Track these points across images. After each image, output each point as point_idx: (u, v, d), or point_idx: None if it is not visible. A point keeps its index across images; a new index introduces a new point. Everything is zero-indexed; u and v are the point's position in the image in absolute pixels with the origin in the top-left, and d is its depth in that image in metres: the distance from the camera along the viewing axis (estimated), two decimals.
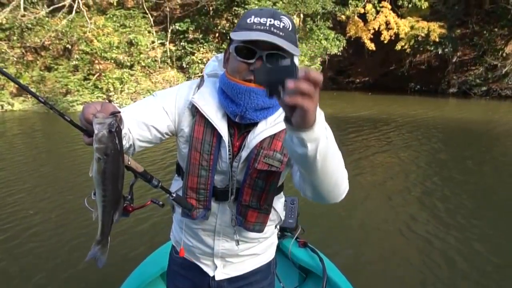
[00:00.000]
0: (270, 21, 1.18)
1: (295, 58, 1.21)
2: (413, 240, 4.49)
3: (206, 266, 1.52)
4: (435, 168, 7.74)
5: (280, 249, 2.61)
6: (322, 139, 0.89)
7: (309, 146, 0.88)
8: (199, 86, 1.36)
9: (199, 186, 1.34)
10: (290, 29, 1.21)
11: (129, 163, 1.21)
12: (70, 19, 16.35)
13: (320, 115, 0.87)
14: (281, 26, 1.18)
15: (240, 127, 1.30)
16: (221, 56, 1.41)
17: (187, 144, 1.33)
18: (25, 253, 4.13)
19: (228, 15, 19.63)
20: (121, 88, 16.88)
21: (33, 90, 16.43)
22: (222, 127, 1.27)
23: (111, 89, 16.77)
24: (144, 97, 13.97)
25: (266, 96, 0.80)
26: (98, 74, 17.00)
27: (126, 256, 3.88)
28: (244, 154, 1.29)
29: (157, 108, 1.32)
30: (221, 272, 1.50)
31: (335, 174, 1.06)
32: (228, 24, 19.68)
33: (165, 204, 1.41)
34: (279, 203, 1.47)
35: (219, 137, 1.28)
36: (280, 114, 1.29)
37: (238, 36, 1.20)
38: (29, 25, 16.42)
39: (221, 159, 1.31)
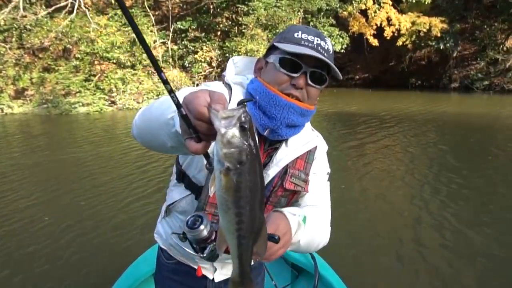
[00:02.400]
0: (317, 40, 1.17)
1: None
2: (407, 237, 4.39)
3: (205, 270, 1.45)
4: (439, 163, 7.48)
5: None
6: (302, 240, 1.11)
7: (293, 248, 1.12)
8: (230, 94, 1.24)
9: None
10: (331, 52, 1.21)
11: None
12: (71, 20, 15.58)
13: (298, 229, 1.10)
14: (326, 48, 1.17)
15: (265, 141, 1.24)
16: (238, 59, 1.34)
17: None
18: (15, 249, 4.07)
19: (229, 13, 18.94)
20: (124, 88, 16.19)
21: (33, 92, 15.94)
22: None
23: (114, 89, 16.07)
24: (147, 97, 13.31)
25: None
26: (99, 74, 16.30)
27: (117, 255, 3.78)
28: (272, 171, 1.23)
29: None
30: (220, 273, 1.45)
31: (316, 245, 1.22)
32: (229, 23, 19.02)
33: None
34: None
35: None
36: (306, 134, 1.31)
37: (288, 47, 1.14)
38: (28, 26, 15.69)
39: None
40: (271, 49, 1.23)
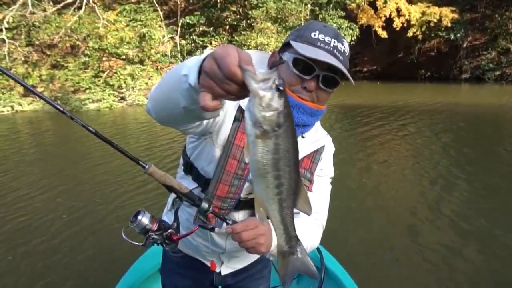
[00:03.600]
0: (334, 42, 1.13)
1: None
2: (416, 230, 4.25)
3: (210, 262, 1.43)
4: (450, 155, 7.26)
5: None
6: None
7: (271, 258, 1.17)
8: None
9: (228, 195, 1.24)
10: (347, 54, 1.17)
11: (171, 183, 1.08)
12: (80, 16, 15.27)
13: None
14: (342, 50, 1.14)
15: None
16: (250, 53, 0.98)
17: (220, 149, 1.20)
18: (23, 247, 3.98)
19: (237, 7, 18.55)
20: (133, 84, 15.89)
21: (42, 89, 15.71)
22: None
23: (123, 85, 15.78)
24: None
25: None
26: (108, 71, 16.00)
27: (124, 249, 3.59)
28: None
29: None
30: (226, 266, 1.44)
31: None
32: (238, 16, 18.63)
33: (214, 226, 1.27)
34: None
35: None
36: (315, 133, 1.29)
37: (303, 49, 1.09)
38: (37, 23, 15.40)
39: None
40: (287, 45, 1.17)
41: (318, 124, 1.32)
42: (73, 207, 4.95)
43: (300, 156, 1.21)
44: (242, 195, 1.27)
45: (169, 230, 1.19)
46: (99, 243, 4.00)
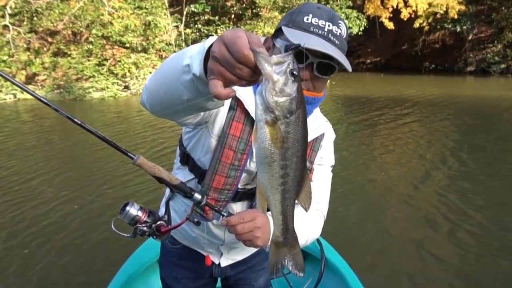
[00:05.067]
0: (329, 25, 1.04)
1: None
2: (417, 222, 4.15)
3: (211, 254, 1.37)
4: (455, 148, 7.08)
5: None
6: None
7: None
8: None
9: (225, 187, 1.18)
10: (344, 37, 1.09)
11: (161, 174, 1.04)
12: (84, 2, 14.66)
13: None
14: (338, 33, 1.05)
15: None
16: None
17: (215, 139, 1.15)
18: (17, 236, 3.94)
19: None
20: (137, 73, 15.38)
21: (45, 77, 15.19)
22: None
23: (127, 74, 15.26)
24: None
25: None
26: (112, 59, 15.46)
27: (121, 242, 3.46)
28: None
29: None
30: (225, 258, 1.39)
31: (303, 243, 1.14)
32: (243, 5, 18.03)
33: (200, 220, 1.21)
34: None
35: None
36: (314, 120, 1.22)
37: (294, 36, 1.00)
38: (39, 10, 14.82)
39: (251, 159, 1.16)
40: (280, 30, 1.08)
41: (317, 111, 1.26)
42: (70, 195, 4.86)
43: None
44: (240, 186, 1.22)
45: (159, 222, 1.15)
46: (96, 233, 3.88)
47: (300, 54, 0.95)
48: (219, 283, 1.59)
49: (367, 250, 3.56)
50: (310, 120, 1.19)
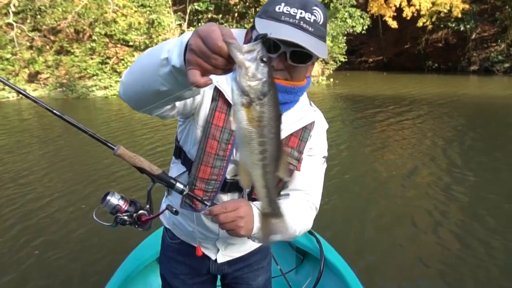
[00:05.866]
0: (301, 13, 1.00)
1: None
2: (417, 222, 4.07)
3: (207, 250, 1.37)
4: (457, 146, 6.98)
5: None
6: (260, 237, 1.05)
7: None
8: None
9: (211, 177, 1.18)
10: (321, 22, 1.04)
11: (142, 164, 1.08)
12: (89, 0, 14.47)
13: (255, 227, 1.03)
14: (312, 20, 1.01)
15: None
16: (240, 31, 1.12)
17: (201, 130, 1.16)
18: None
19: None
20: None
21: (47, 75, 15.02)
22: None
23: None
24: None
25: None
26: (115, 57, 15.30)
27: (121, 240, 3.49)
28: None
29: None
30: (222, 254, 1.38)
31: (291, 234, 1.15)
32: (247, 4, 17.82)
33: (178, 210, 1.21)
34: None
35: None
36: (301, 110, 1.19)
37: (263, 27, 1.00)
38: (43, 8, 14.65)
39: (237, 149, 1.15)
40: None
41: (305, 100, 1.22)
42: (70, 194, 4.79)
43: (286, 134, 1.16)
44: (228, 177, 1.21)
45: (140, 211, 1.16)
46: (96, 232, 3.80)
47: (272, 44, 0.99)
48: (219, 282, 1.57)
49: (366, 249, 3.52)
50: (297, 109, 1.18)
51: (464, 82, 18.77)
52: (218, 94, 1.13)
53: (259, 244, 1.42)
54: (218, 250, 1.37)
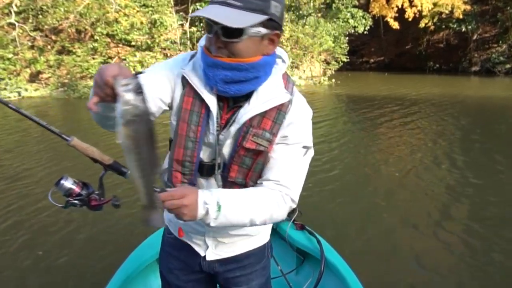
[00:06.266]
0: None
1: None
2: (418, 223, 4.03)
3: (197, 246, 1.37)
4: (459, 147, 6.92)
5: (277, 232, 2.51)
6: (216, 222, 1.08)
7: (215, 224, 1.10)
8: (192, 57, 1.24)
9: (185, 158, 1.23)
10: None
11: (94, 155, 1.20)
12: (91, 0, 14.39)
13: (207, 214, 1.06)
14: None
15: (229, 101, 1.20)
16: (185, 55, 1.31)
17: (176, 116, 1.23)
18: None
19: None
20: (143, 71, 15.08)
21: (48, 75, 14.92)
22: (209, 98, 1.17)
23: (133, 72, 14.95)
24: None
25: None
26: (117, 57, 15.20)
27: (121, 240, 3.53)
28: (233, 129, 1.18)
29: (164, 82, 1.24)
30: (212, 252, 1.37)
31: (249, 221, 1.14)
32: None
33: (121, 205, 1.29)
34: None
35: (207, 108, 1.18)
36: (272, 91, 1.17)
37: (197, 12, 1.11)
38: (44, 7, 14.56)
39: (208, 131, 1.21)
40: None
41: (279, 82, 1.19)
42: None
43: (253, 114, 1.15)
44: (206, 160, 1.24)
45: (91, 196, 1.22)
46: (96, 232, 3.80)
47: (208, 24, 1.07)
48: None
49: (367, 250, 3.48)
50: (266, 90, 1.17)
51: (466, 83, 18.71)
52: (186, 80, 1.20)
53: (253, 247, 1.41)
54: (208, 247, 1.37)
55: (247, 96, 1.17)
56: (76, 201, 1.20)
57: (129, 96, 0.83)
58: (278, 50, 1.20)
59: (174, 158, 1.24)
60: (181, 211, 1.04)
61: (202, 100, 1.17)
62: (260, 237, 1.42)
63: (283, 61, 1.21)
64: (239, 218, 1.10)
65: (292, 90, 1.21)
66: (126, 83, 0.83)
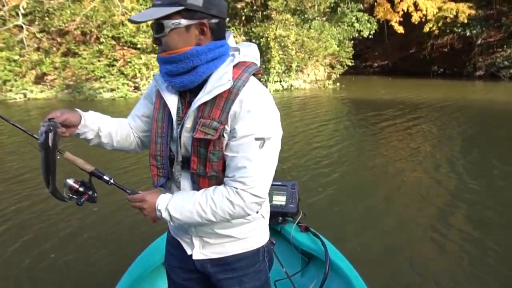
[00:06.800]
0: None
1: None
2: (423, 225, 4.01)
3: (185, 244, 1.41)
4: (463, 152, 6.83)
5: (282, 234, 2.50)
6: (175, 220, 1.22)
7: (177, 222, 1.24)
8: None
9: (156, 153, 1.34)
10: None
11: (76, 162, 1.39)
12: (99, 2, 14.32)
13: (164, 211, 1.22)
14: None
15: (188, 95, 1.26)
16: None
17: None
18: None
19: None
20: (148, 74, 15.05)
21: (54, 77, 14.86)
22: (169, 96, 1.27)
23: (138, 75, 14.92)
24: None
25: None
26: (122, 59, 15.14)
27: (127, 244, 3.50)
28: (187, 122, 1.23)
29: (142, 99, 1.46)
30: (199, 252, 1.38)
31: (196, 221, 1.21)
32: (254, 8, 17.64)
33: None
34: None
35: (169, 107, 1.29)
36: (218, 80, 1.17)
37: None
38: (51, 10, 14.52)
39: (172, 127, 1.28)
40: None
41: (228, 70, 1.17)
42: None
43: (199, 103, 1.17)
44: (184, 154, 1.27)
45: (88, 192, 1.37)
46: (103, 236, 3.77)
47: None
48: None
49: (372, 252, 3.45)
50: (214, 79, 1.18)
51: (470, 87, 18.50)
52: (158, 93, 1.33)
53: (243, 250, 1.39)
54: (194, 246, 1.38)
55: (200, 89, 1.21)
56: (74, 196, 1.35)
57: (41, 132, 1.16)
58: (244, 44, 1.26)
59: (150, 153, 1.35)
60: (143, 212, 1.26)
61: (163, 103, 1.29)
62: (250, 240, 1.40)
63: (240, 54, 1.22)
64: (189, 218, 1.20)
65: (245, 80, 1.18)
66: (44, 123, 1.18)
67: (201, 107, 1.19)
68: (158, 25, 1.15)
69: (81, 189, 1.34)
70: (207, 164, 1.22)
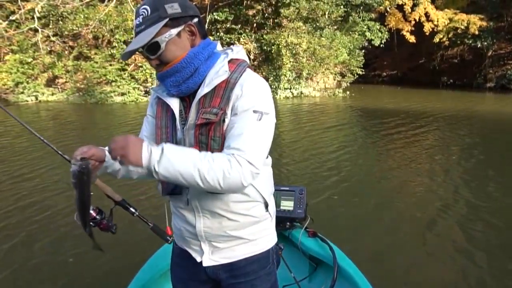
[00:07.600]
0: (136, 21, 1.21)
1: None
2: (431, 234, 3.95)
3: (194, 252, 1.39)
4: (472, 165, 6.61)
5: (289, 240, 2.46)
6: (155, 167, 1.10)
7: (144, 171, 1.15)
8: None
9: None
10: (149, 14, 1.18)
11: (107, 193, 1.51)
12: (113, 7, 14.30)
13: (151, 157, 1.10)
14: (141, 20, 1.19)
15: (189, 97, 1.29)
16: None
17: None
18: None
19: (265, 5, 17.42)
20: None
21: (65, 80, 14.81)
22: (171, 100, 1.29)
23: (149, 79, 14.83)
24: None
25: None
26: (133, 64, 15.08)
27: (135, 250, 3.42)
28: (190, 118, 1.25)
29: (145, 120, 1.45)
30: (208, 258, 1.36)
31: (188, 168, 1.12)
32: (266, 15, 17.53)
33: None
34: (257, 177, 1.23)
35: (172, 110, 1.29)
36: (215, 73, 1.23)
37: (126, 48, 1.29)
38: (65, 14, 14.52)
39: (176, 129, 1.31)
40: None
41: (224, 64, 1.22)
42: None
43: (200, 95, 1.22)
44: None
45: (103, 220, 1.45)
46: (110, 242, 3.45)
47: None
48: None
49: (380, 257, 3.42)
50: (211, 73, 1.23)
51: (480, 99, 18.23)
52: (158, 98, 1.36)
53: (254, 253, 1.38)
54: (204, 252, 1.36)
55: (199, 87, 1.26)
56: (91, 223, 1.38)
57: (72, 170, 1.11)
58: (236, 48, 1.29)
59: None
60: (126, 151, 1.08)
61: (167, 105, 1.29)
62: (260, 242, 1.40)
63: (233, 51, 1.28)
64: (183, 163, 1.09)
65: (241, 71, 1.24)
66: (75, 161, 1.11)
67: (202, 100, 1.22)
68: (153, 46, 1.18)
69: (98, 217, 1.38)
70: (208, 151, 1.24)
